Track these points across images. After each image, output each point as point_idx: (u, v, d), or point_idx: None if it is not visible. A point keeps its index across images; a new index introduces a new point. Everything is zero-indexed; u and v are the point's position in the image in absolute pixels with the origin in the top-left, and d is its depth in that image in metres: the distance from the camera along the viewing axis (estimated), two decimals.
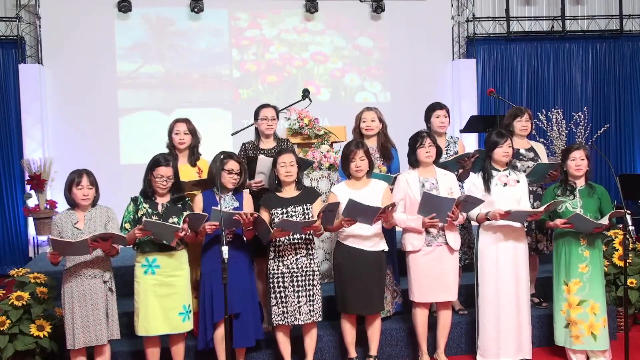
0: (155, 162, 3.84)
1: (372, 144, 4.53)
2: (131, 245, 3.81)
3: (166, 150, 4.37)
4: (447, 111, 4.71)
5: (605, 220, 4.01)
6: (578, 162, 4.16)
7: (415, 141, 4.13)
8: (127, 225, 3.81)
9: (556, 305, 4.27)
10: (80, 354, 3.78)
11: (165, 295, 3.82)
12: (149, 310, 3.80)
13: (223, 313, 3.63)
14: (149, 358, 3.93)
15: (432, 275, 4.08)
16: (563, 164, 4.24)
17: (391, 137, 4.71)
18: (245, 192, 4.13)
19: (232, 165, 3.93)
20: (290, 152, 4.06)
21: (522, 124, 4.69)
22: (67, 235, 3.68)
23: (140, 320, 3.82)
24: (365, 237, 3.99)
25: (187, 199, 3.96)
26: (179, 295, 3.86)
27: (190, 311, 3.91)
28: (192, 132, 4.38)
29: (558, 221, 4.09)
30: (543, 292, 4.92)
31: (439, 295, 4.15)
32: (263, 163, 4.21)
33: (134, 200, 3.89)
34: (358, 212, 3.78)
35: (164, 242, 3.75)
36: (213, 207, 3.73)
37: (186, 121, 4.40)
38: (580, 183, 4.21)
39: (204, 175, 4.25)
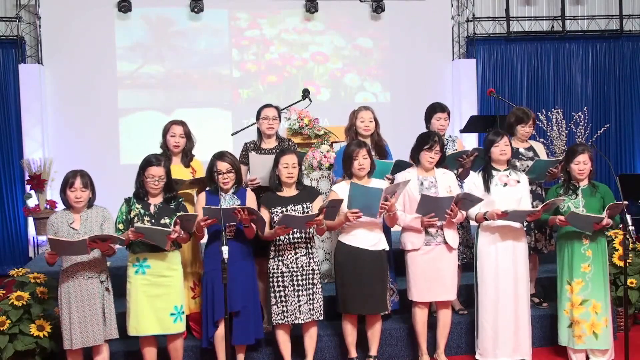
0: (147, 162, 3.83)
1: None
2: (125, 246, 3.80)
3: (160, 150, 4.38)
4: (448, 113, 4.70)
5: (604, 214, 3.99)
6: (581, 166, 4.15)
7: (424, 142, 4.11)
8: (121, 226, 3.81)
9: (560, 305, 4.26)
10: (77, 354, 3.78)
11: (156, 296, 3.81)
12: (139, 310, 3.80)
13: (223, 312, 3.64)
14: (146, 358, 3.93)
15: (431, 274, 4.08)
16: (566, 166, 4.23)
17: (391, 137, 4.70)
18: (248, 189, 4.13)
19: (220, 166, 3.92)
20: (293, 154, 4.04)
21: (525, 130, 4.67)
22: (63, 235, 3.67)
23: (131, 320, 3.82)
24: (367, 236, 3.99)
25: (180, 199, 3.94)
26: (170, 296, 3.84)
27: (182, 312, 3.88)
28: (188, 135, 4.40)
29: (559, 217, 4.09)
30: (543, 292, 4.92)
31: (438, 295, 4.15)
32: (256, 161, 4.21)
33: (127, 201, 3.88)
34: (361, 199, 3.78)
35: (157, 245, 3.74)
36: (204, 207, 3.74)
37: (182, 124, 4.39)
38: (584, 182, 4.20)
39: (198, 176, 4.27)
